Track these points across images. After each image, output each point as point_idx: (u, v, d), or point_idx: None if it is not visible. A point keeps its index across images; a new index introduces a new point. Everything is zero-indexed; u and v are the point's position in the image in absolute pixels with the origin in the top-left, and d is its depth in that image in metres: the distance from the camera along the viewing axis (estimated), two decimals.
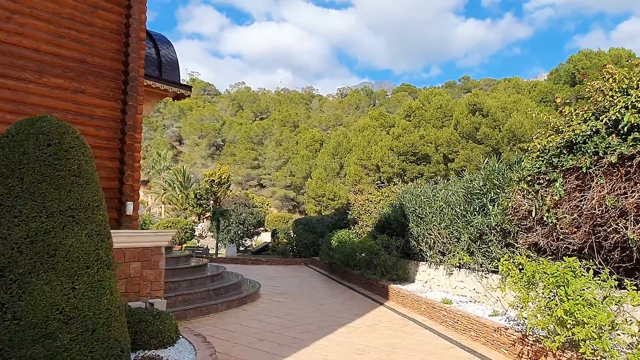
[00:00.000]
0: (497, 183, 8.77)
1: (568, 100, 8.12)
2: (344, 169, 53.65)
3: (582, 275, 5.21)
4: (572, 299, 4.93)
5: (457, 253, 9.73)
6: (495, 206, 8.65)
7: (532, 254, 7.24)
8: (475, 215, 9.38)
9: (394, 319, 9.53)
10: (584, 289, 5.02)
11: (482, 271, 9.13)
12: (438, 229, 10.82)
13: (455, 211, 10.28)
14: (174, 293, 9.75)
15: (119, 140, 9.04)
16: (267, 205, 58.95)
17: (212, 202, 49.99)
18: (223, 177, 56.93)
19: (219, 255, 33.05)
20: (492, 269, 8.84)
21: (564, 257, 5.73)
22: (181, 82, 12.33)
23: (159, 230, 9.11)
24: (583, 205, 6.25)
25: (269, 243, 37.58)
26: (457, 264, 9.85)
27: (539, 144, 7.07)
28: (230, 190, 57.35)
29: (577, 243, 6.48)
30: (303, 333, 8.21)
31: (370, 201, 17.91)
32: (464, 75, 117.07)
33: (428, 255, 11.53)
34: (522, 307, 5.85)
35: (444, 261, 10.70)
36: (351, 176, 47.71)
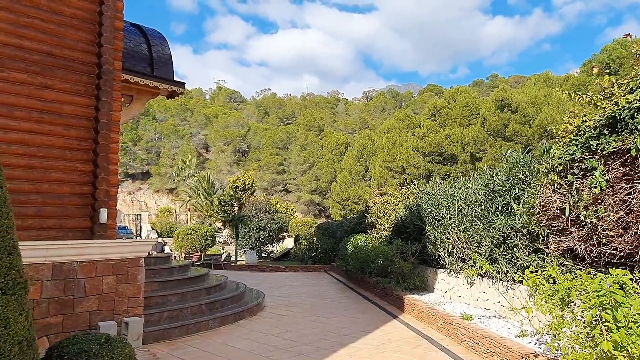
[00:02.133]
0: (523, 177, 7.43)
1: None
2: (369, 171, 52.31)
3: (635, 292, 3.90)
4: (623, 326, 3.64)
5: (478, 260, 8.40)
6: (521, 204, 7.31)
7: (566, 262, 5.91)
8: (497, 215, 8.05)
9: (405, 337, 8.27)
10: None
11: (507, 281, 7.79)
12: (457, 232, 9.51)
13: (476, 212, 8.97)
14: (159, 309, 8.79)
15: (93, 141, 8.16)
16: (292, 210, 58.17)
17: (236, 208, 49.43)
18: (247, 183, 56.49)
19: (238, 262, 32.27)
20: (519, 279, 7.49)
21: (607, 267, 4.41)
22: (175, 80, 11.43)
23: (135, 240, 8.14)
24: (632, 199, 4.90)
25: (291, 249, 36.64)
26: (479, 273, 8.52)
27: (572, 125, 5.71)
28: (255, 196, 56.88)
29: (624, 248, 5.12)
30: (296, 357, 7.07)
31: (389, 203, 16.64)
32: (492, 74, 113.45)
33: (447, 262, 10.22)
34: (555, 335, 4.54)
35: (465, 269, 9.38)
36: (376, 179, 46.28)
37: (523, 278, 5.59)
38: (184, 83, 11.35)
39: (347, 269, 16.36)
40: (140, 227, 56.44)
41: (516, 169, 7.44)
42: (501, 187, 7.93)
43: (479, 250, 8.68)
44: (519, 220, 7.15)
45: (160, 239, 43.66)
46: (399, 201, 16.17)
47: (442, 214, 10.34)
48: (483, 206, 8.65)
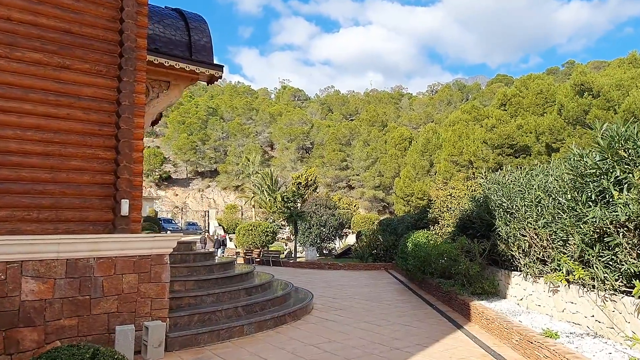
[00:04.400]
0: (626, 155, 5.72)
1: None
2: (434, 166, 49.92)
3: None
4: None
5: (564, 262, 6.75)
6: (625, 190, 5.62)
7: None
8: (590, 206, 6.37)
9: (472, 356, 6.82)
10: None
11: (605, 290, 6.11)
12: (534, 228, 7.86)
13: (559, 202, 7.29)
14: (189, 311, 7.97)
15: (115, 126, 7.46)
16: (355, 206, 56.99)
17: (299, 204, 49.12)
18: (310, 179, 56.08)
19: (298, 259, 31.59)
20: (624, 288, 5.82)
21: None
22: (214, 63, 10.64)
23: (159, 234, 7.35)
24: None
25: (352, 246, 35.47)
26: (567, 279, 6.86)
27: None
28: (317, 193, 56.37)
29: None
30: None
31: (453, 196, 14.97)
32: (568, 60, 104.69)
33: (522, 263, 8.58)
34: None
35: (546, 273, 7.72)
36: (441, 173, 43.97)
37: (633, 284, 4.04)
38: (223, 66, 10.52)
39: (407, 268, 14.90)
40: (209, 223, 57.97)
41: (617, 144, 5.73)
42: (595, 170, 6.24)
43: (564, 250, 7.02)
44: (622, 211, 5.47)
45: (226, 235, 44.19)
46: (464, 194, 14.46)
47: (516, 206, 8.68)
48: (569, 195, 6.96)
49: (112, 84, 7.50)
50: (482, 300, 9.59)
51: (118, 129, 7.38)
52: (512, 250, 8.92)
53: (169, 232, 34.08)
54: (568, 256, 6.78)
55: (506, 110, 43.94)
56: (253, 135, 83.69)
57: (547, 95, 41.01)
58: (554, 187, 7.68)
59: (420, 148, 54.18)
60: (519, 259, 8.75)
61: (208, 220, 59.60)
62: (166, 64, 9.58)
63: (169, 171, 74.22)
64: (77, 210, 6.98)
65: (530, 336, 6.37)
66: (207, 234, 42.14)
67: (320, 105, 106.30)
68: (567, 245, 6.93)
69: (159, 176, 70.48)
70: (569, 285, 7.07)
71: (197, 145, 74.38)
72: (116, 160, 7.34)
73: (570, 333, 6.47)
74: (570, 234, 6.77)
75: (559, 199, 7.33)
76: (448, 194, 15.37)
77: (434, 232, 14.80)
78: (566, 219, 6.93)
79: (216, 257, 14.40)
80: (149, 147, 76.22)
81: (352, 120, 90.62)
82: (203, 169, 76.15)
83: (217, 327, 7.73)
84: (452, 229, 13.18)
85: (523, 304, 8.81)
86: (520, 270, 8.84)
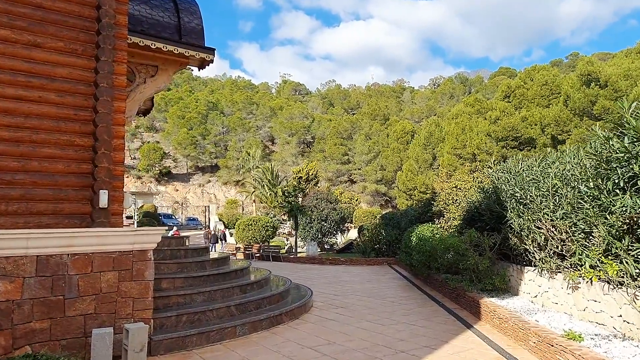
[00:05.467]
0: None
1: None
2: (437, 159, 49.24)
3: None
4: None
5: (587, 257, 6.11)
6: None
7: None
8: (617, 194, 5.72)
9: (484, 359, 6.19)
10: None
11: (636, 287, 5.47)
12: (551, 220, 7.22)
13: (580, 191, 6.64)
14: (177, 311, 7.36)
15: (93, 110, 6.82)
16: (356, 201, 56.40)
17: (300, 199, 48.47)
18: (311, 174, 55.42)
19: (299, 254, 30.99)
20: None
21: None
22: (204, 46, 9.97)
23: (141, 228, 6.69)
24: None
25: (354, 240, 34.87)
26: (589, 276, 6.22)
27: None
28: (318, 187, 55.74)
29: None
30: None
31: (459, 189, 14.31)
32: (572, 52, 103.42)
33: (537, 258, 7.94)
34: None
35: (564, 268, 7.08)
36: (445, 167, 43.23)
37: None
38: (214, 49, 9.84)
39: (411, 263, 14.27)
40: (209, 218, 57.50)
41: None
42: (622, 155, 5.59)
43: (587, 243, 6.38)
44: None
45: (225, 230, 43.65)
46: (471, 186, 13.81)
47: (530, 196, 8.02)
48: (592, 183, 6.31)
49: (89, 64, 6.86)
50: (493, 297, 8.96)
51: (96, 114, 6.74)
52: (525, 244, 8.27)
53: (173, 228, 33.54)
54: (593, 250, 6.12)
55: (510, 102, 43.19)
56: (254, 129, 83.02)
57: (552, 86, 40.27)
58: (573, 175, 7.02)
59: (423, 141, 53.49)
60: (533, 253, 8.11)
61: (208, 215, 59.09)
62: (152, 47, 8.91)
63: (169, 166, 73.65)
64: (50, 202, 6.35)
65: (551, 338, 5.73)
66: (208, 229, 41.60)
67: (322, 99, 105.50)
68: (591, 237, 6.29)
69: (159, 171, 69.90)
70: (590, 282, 6.43)
71: (197, 140, 73.77)
72: (94, 147, 6.70)
73: (595, 335, 5.84)
74: (594, 225, 6.13)
75: (580, 187, 6.68)
76: (454, 185, 14.71)
77: (439, 225, 14.17)
78: (588, 209, 6.28)
79: (211, 253, 13.81)
80: (148, 142, 75.66)
81: (353, 114, 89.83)
82: (203, 164, 75.57)
83: (207, 328, 7.12)
84: (459, 222, 12.54)
85: (538, 301, 8.18)
86: (535, 265, 8.21)
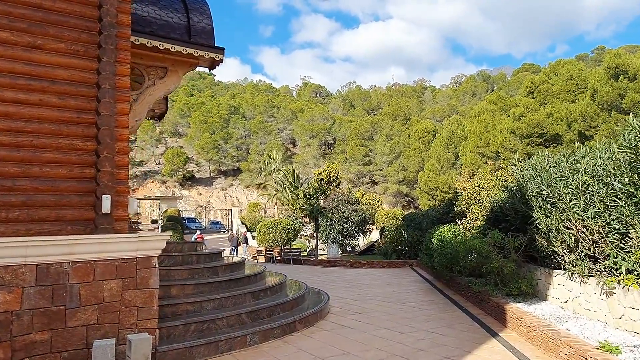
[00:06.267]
0: None
1: None
2: (459, 159, 48.27)
3: None
4: None
5: (624, 260, 5.58)
6: None
7: None
8: None
9: None
10: None
11: None
12: (582, 219, 6.68)
13: (613, 187, 6.10)
14: (185, 320, 7.08)
15: (96, 113, 6.62)
16: (378, 202, 55.78)
17: (321, 201, 48.07)
18: (332, 175, 55.07)
19: (320, 257, 30.66)
20: None
21: None
22: (214, 46, 9.73)
23: (144, 234, 6.43)
24: None
25: (376, 242, 34.38)
26: (629, 283, 5.67)
27: None
28: (340, 189, 55.34)
29: None
30: None
31: (482, 188, 13.73)
32: (598, 46, 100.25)
33: (566, 260, 7.39)
34: None
35: (597, 272, 6.53)
36: (467, 166, 42.33)
37: None
38: (224, 48, 9.58)
39: (433, 265, 13.76)
40: (232, 221, 57.79)
41: None
42: None
43: (622, 245, 5.85)
44: None
45: (247, 233, 43.66)
46: (494, 185, 13.22)
47: (559, 194, 7.47)
48: (627, 178, 5.77)
49: (91, 65, 6.66)
50: (519, 302, 8.43)
51: (98, 116, 6.54)
52: (553, 246, 7.73)
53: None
54: (632, 254, 5.58)
55: (534, 98, 42.01)
56: (275, 132, 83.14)
57: (578, 81, 38.97)
58: (604, 170, 6.48)
59: (445, 140, 52.56)
60: (562, 256, 7.56)
61: (231, 218, 59.39)
62: (161, 47, 8.71)
63: (192, 170, 74.37)
64: (52, 208, 6.16)
65: (584, 350, 5.23)
66: (232, 232, 41.64)
67: (342, 101, 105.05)
68: (628, 239, 5.75)
69: (182, 176, 70.67)
70: (627, 287, 5.89)
71: (219, 144, 74.29)
72: (97, 151, 6.50)
73: (635, 346, 5.31)
74: (631, 225, 5.60)
75: (613, 183, 6.14)
76: (476, 184, 14.12)
77: (461, 226, 13.61)
78: (624, 207, 5.75)
79: (229, 257, 13.59)
80: (172, 147, 76.58)
81: (374, 115, 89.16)
82: (226, 168, 76.05)
83: (215, 337, 6.82)
84: (482, 222, 11.98)
85: (568, 307, 7.62)
86: (564, 269, 7.65)
